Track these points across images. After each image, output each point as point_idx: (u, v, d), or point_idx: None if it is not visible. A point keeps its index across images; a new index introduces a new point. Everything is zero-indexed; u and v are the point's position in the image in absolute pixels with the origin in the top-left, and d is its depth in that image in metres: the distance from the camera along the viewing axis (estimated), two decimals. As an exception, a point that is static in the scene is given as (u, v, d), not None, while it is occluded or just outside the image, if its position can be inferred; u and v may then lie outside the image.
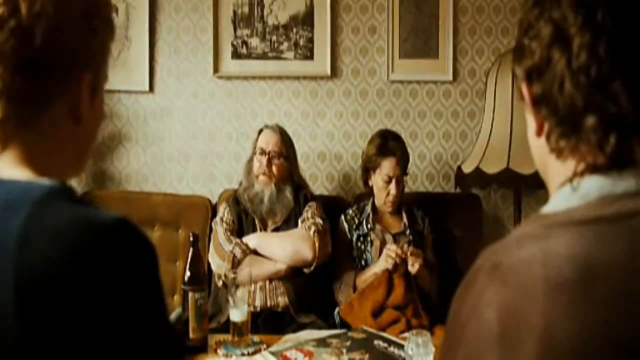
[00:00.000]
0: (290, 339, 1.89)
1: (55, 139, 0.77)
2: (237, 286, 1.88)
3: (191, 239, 1.85)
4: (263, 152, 2.54)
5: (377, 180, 2.55)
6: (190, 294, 1.80)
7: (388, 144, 2.54)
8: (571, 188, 0.67)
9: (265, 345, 1.84)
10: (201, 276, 1.83)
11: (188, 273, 1.82)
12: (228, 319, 1.96)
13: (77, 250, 0.64)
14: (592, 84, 0.65)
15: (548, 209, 0.69)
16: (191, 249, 1.84)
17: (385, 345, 1.83)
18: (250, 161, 2.62)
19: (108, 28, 0.81)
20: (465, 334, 0.63)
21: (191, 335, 1.80)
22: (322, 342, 1.84)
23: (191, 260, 1.83)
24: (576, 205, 0.65)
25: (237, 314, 1.84)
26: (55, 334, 0.62)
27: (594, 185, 0.66)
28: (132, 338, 0.66)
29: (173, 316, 1.82)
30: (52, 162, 0.77)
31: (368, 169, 2.59)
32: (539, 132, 0.73)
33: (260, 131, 2.62)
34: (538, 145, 0.74)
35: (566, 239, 0.61)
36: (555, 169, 0.72)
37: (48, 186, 0.69)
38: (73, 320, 0.63)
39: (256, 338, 1.89)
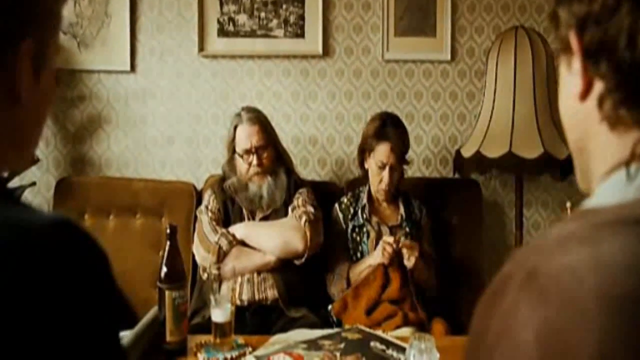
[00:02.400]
0: (278, 340, 1.68)
1: None
2: (220, 283, 1.66)
3: (168, 231, 1.62)
4: (249, 152, 2.31)
5: (371, 164, 2.34)
6: (167, 293, 1.58)
7: (386, 128, 2.31)
8: (626, 175, 0.53)
9: (250, 349, 1.63)
10: (179, 273, 1.61)
11: (164, 269, 1.60)
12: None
13: (7, 260, 0.51)
14: None
15: (595, 201, 0.55)
16: (168, 242, 1.61)
17: (383, 347, 1.61)
18: (231, 160, 2.39)
19: None
20: (494, 358, 0.50)
21: (168, 337, 1.58)
22: (313, 345, 1.62)
23: (168, 254, 1.61)
24: (633, 198, 0.52)
25: (219, 314, 1.62)
26: None
27: None
28: None
29: (148, 316, 1.60)
30: None
31: (364, 150, 2.38)
32: (584, 94, 0.56)
33: (235, 127, 2.35)
34: (579, 112, 0.58)
35: (623, 243, 0.48)
36: (604, 144, 0.56)
37: None
38: (4, 343, 0.50)
39: (240, 340, 1.67)
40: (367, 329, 1.76)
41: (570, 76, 0.58)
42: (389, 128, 2.31)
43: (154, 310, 1.60)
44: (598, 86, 0.55)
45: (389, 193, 2.35)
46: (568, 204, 2.12)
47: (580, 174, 0.62)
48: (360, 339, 1.67)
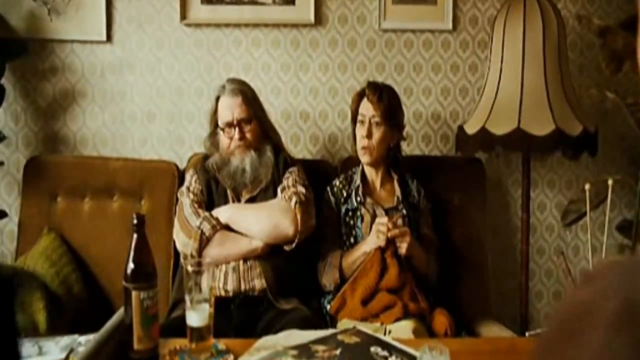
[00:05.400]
0: (264, 344, 1.40)
1: None
2: (198, 281, 1.38)
3: (135, 221, 1.33)
4: (230, 125, 2.06)
5: (357, 128, 2.12)
6: (134, 293, 1.29)
7: (370, 86, 2.11)
8: None
9: (232, 356, 1.35)
10: (149, 270, 1.32)
11: (131, 265, 1.31)
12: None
13: None
14: None
15: None
16: (135, 235, 1.32)
17: (385, 353, 1.34)
18: (213, 135, 2.14)
19: None
20: None
21: (136, 345, 1.30)
22: (304, 350, 1.35)
23: (135, 249, 1.32)
24: None
25: (195, 317, 1.34)
26: None
27: None
28: None
29: (113, 320, 1.33)
30: None
31: (354, 119, 2.15)
32: None
33: (217, 99, 2.11)
34: None
35: None
36: None
37: None
38: None
39: (221, 344, 1.40)
40: (367, 331, 1.48)
41: None
42: (372, 85, 2.12)
43: (119, 314, 1.33)
44: None
45: (370, 154, 2.08)
46: (587, 186, 1.85)
47: None
48: (359, 343, 1.40)
